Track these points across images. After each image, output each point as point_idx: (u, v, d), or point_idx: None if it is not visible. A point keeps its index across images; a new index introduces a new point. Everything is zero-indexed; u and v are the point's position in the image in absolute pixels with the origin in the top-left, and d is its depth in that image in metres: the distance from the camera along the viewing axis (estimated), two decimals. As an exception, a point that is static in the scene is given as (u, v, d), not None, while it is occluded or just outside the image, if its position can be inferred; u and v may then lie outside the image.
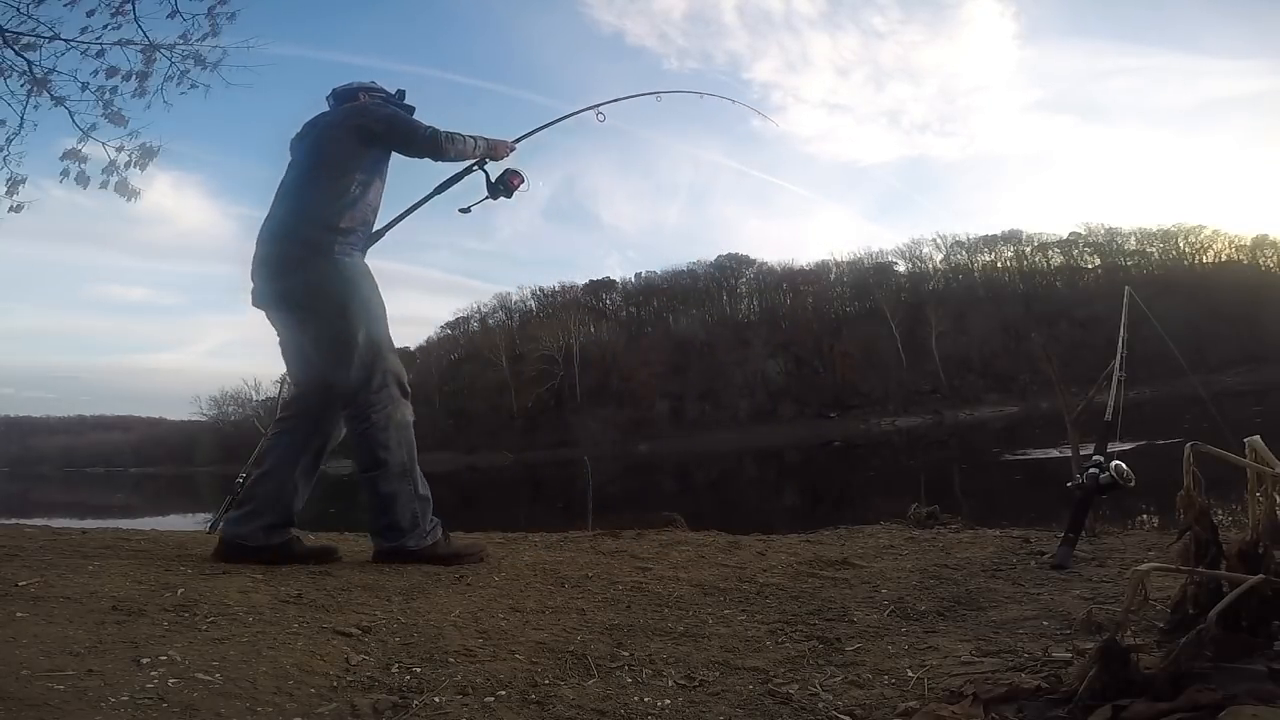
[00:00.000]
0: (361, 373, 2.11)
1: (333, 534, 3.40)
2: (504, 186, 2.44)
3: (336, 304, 2.12)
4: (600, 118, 2.85)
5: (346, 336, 2.11)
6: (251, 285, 2.23)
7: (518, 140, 2.54)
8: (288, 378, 2.39)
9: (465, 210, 2.48)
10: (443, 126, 2.32)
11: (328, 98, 2.45)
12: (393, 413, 2.15)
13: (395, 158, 2.35)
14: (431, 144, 2.27)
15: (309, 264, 2.12)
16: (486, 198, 2.46)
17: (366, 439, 2.11)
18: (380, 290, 2.26)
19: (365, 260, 2.27)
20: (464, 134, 2.33)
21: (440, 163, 2.36)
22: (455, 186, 2.49)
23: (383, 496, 2.10)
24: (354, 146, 2.22)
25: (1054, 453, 12.68)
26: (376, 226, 2.33)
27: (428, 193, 2.48)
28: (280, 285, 2.16)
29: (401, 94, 2.47)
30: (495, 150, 2.44)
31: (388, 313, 2.26)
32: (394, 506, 2.09)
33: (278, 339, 2.29)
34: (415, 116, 2.42)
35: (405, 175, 2.44)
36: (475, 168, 2.43)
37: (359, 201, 2.20)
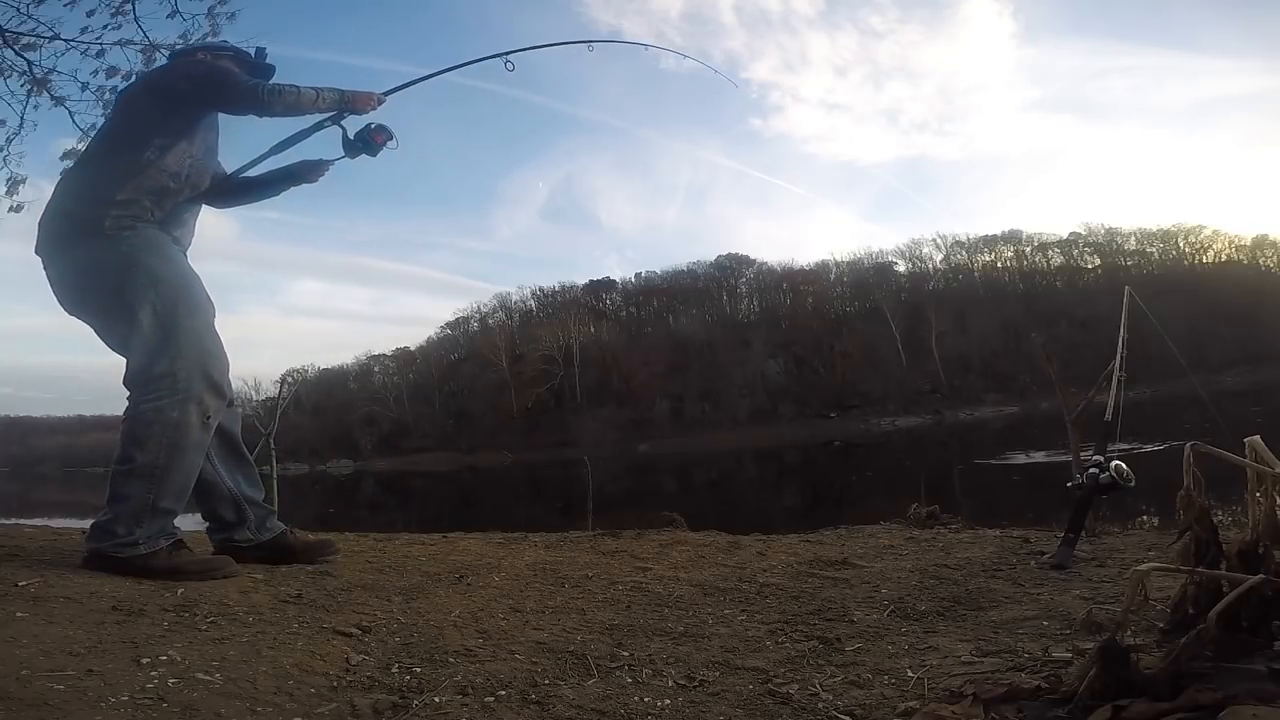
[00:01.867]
0: (144, 357, 1.85)
1: (333, 533, 3.40)
2: (365, 143, 2.14)
3: (111, 283, 1.86)
4: (509, 66, 2.50)
5: (126, 317, 1.85)
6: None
7: (388, 93, 2.23)
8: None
9: (324, 169, 2.21)
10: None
11: (166, 59, 2.19)
12: (165, 408, 1.81)
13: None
14: (251, 96, 1.95)
15: (78, 242, 1.88)
16: (343, 156, 2.17)
17: (127, 430, 1.83)
18: (187, 265, 2.01)
19: (171, 233, 2.00)
20: (302, 86, 2.02)
21: (267, 117, 2.04)
22: (307, 143, 2.18)
23: (113, 494, 1.80)
24: (157, 109, 1.94)
25: (1036, 457, 12.69)
26: (204, 190, 2.09)
27: (263, 152, 2.22)
28: (53, 270, 1.92)
29: (261, 53, 2.18)
30: (353, 102, 2.11)
31: (207, 297, 2.01)
32: (118, 507, 1.79)
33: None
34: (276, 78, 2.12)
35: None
36: (329, 123, 2.14)
37: (151, 167, 1.92)
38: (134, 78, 2.24)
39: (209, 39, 2.32)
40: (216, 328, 2.02)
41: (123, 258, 1.86)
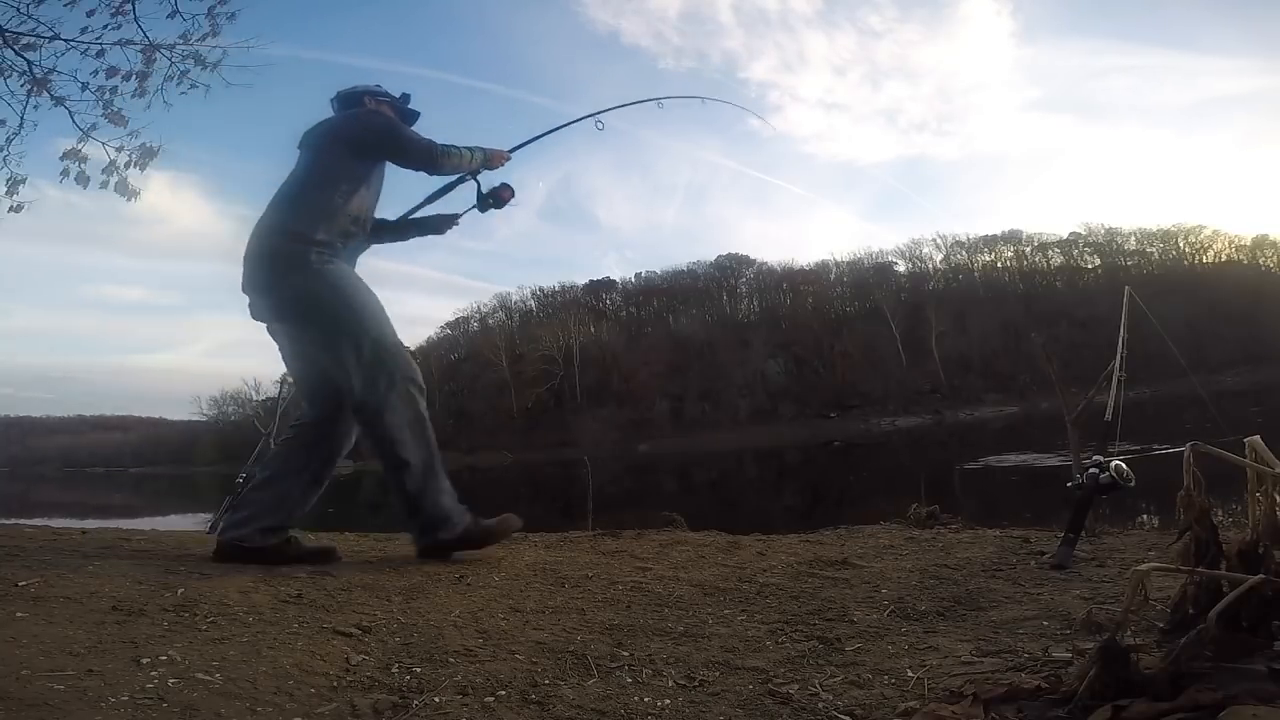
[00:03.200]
0: (368, 376, 2.11)
1: (333, 533, 3.40)
2: (495, 199, 2.46)
3: (329, 313, 2.12)
4: (599, 126, 2.81)
5: (346, 343, 2.11)
6: (247, 300, 2.23)
7: (513, 150, 2.54)
8: (293, 387, 2.40)
9: (453, 223, 2.55)
10: (443, 131, 2.36)
11: (332, 101, 2.45)
12: (406, 411, 2.13)
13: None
14: (427, 157, 2.28)
15: (290, 278, 2.11)
16: (474, 208, 2.48)
17: (386, 441, 2.10)
18: (373, 290, 2.24)
19: (353, 266, 2.27)
20: (460, 146, 2.32)
21: (434, 175, 2.38)
22: (448, 194, 2.51)
23: (410, 495, 2.11)
24: (345, 158, 2.22)
25: (1022, 457, 12.65)
26: (368, 233, 2.35)
27: (418, 203, 2.52)
28: (269, 301, 2.17)
29: (406, 98, 2.48)
30: (491, 161, 2.43)
31: (386, 311, 2.25)
32: (423, 504, 2.11)
33: (279, 351, 2.31)
34: (419, 122, 2.44)
35: (408, 180, 2.44)
36: (468, 178, 2.44)
37: (339, 212, 2.18)
38: (329, 122, 2.36)
39: (364, 85, 2.46)
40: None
41: (332, 289, 2.13)
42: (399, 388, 2.13)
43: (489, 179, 2.46)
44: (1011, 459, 12.84)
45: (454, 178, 2.45)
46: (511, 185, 2.48)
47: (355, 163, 2.24)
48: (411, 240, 2.59)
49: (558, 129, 2.79)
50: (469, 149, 2.34)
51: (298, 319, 2.17)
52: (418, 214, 2.56)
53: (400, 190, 2.50)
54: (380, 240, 2.51)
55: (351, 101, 2.41)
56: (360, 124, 2.30)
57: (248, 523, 2.09)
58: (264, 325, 2.27)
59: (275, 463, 2.23)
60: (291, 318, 2.18)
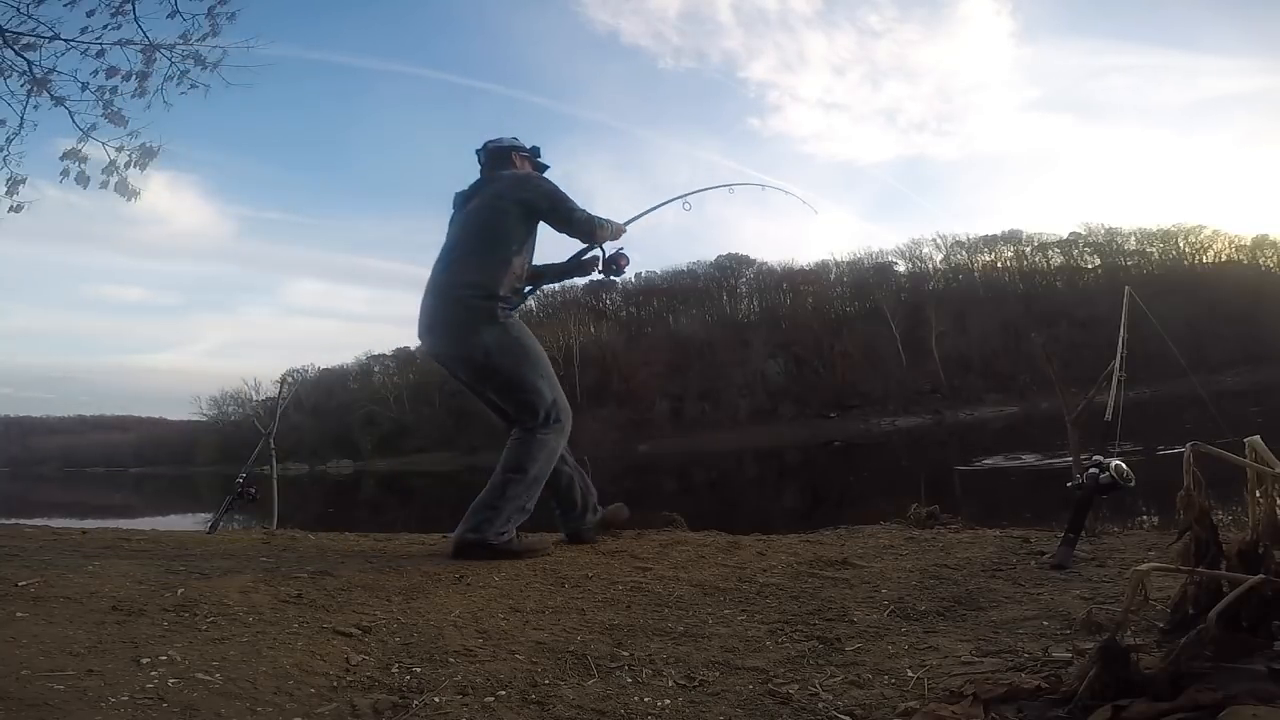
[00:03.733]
0: (541, 413, 2.46)
1: (332, 533, 3.40)
2: (615, 267, 2.72)
3: (513, 361, 2.45)
4: (687, 207, 3.15)
5: (527, 386, 2.45)
6: (422, 342, 2.56)
7: (627, 223, 2.79)
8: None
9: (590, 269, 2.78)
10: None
11: (478, 152, 2.72)
12: (550, 441, 2.47)
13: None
14: (586, 228, 2.58)
15: (481, 330, 2.42)
16: (598, 272, 2.74)
17: (523, 448, 2.42)
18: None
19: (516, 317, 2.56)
20: (600, 218, 2.63)
21: (585, 243, 2.68)
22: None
23: (505, 496, 2.35)
24: (518, 220, 2.51)
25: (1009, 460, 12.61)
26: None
27: (565, 264, 2.78)
28: (460, 350, 2.47)
29: (537, 151, 2.77)
30: (617, 233, 2.71)
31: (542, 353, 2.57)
32: (503, 506, 2.33)
33: (462, 385, 2.62)
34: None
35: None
36: (596, 246, 2.70)
37: (510, 269, 2.49)
38: (500, 184, 2.60)
39: (507, 140, 2.74)
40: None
41: (515, 340, 2.46)
42: (559, 424, 2.50)
43: (610, 247, 2.72)
44: (1003, 460, 12.80)
45: (586, 251, 2.73)
46: (628, 255, 2.74)
47: (525, 225, 2.52)
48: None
49: (655, 209, 3.06)
50: (609, 222, 2.65)
51: (486, 367, 2.45)
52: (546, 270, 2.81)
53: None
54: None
55: (500, 156, 2.69)
56: (533, 190, 2.55)
57: (486, 525, 2.34)
58: (438, 364, 2.62)
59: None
60: (480, 365, 2.46)
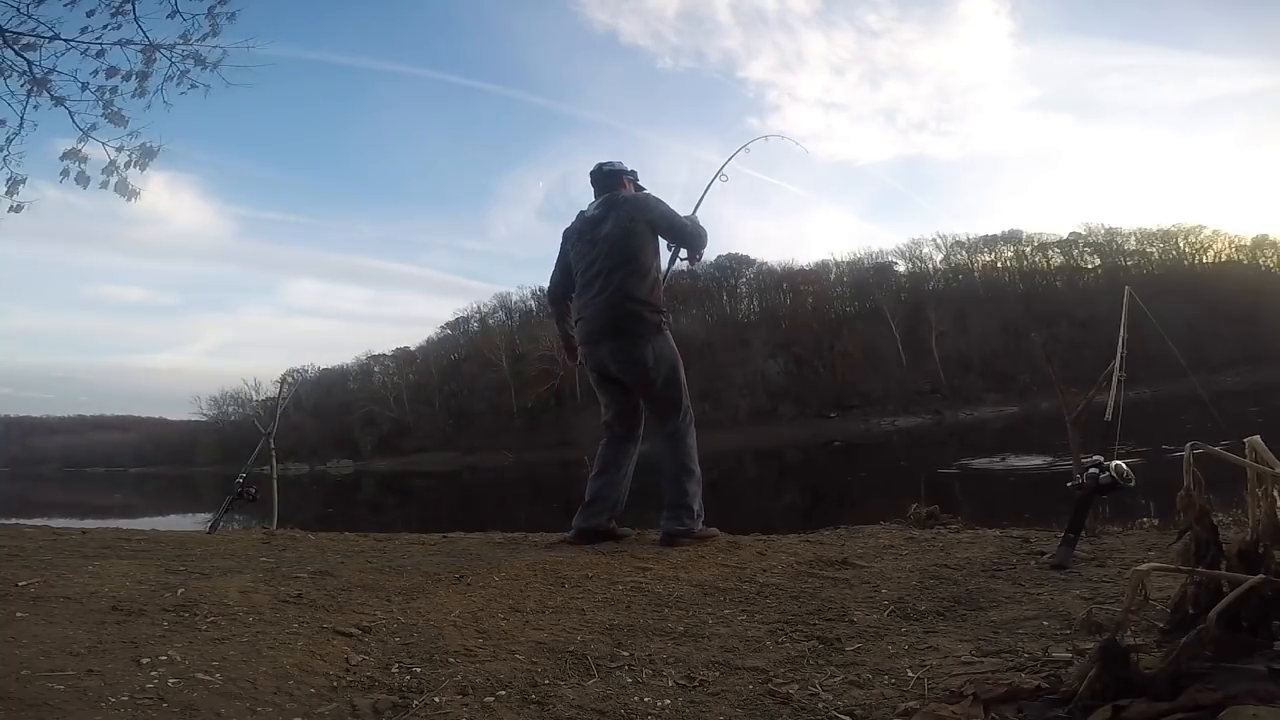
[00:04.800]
0: (682, 411, 2.89)
1: (332, 533, 3.40)
2: (699, 255, 3.13)
3: (671, 366, 2.86)
4: (724, 179, 3.66)
5: (677, 387, 2.88)
6: (590, 348, 2.91)
7: (694, 211, 3.26)
8: (605, 413, 3.03)
9: (688, 266, 3.28)
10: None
11: (592, 174, 3.07)
12: (691, 437, 2.90)
13: None
14: (695, 240, 3.04)
15: (652, 340, 2.83)
16: (685, 260, 3.18)
17: (683, 450, 2.85)
18: None
19: None
20: (702, 227, 3.09)
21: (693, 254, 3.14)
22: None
23: (688, 493, 2.74)
24: (649, 237, 2.90)
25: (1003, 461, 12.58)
26: None
27: (667, 268, 3.13)
28: (633, 355, 2.82)
29: (635, 174, 3.12)
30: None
31: None
32: (690, 501, 2.73)
33: (604, 391, 2.97)
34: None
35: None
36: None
37: (660, 282, 2.93)
38: (628, 206, 2.97)
39: (615, 165, 3.10)
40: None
41: (672, 349, 2.89)
42: (691, 421, 2.94)
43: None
44: (999, 461, 12.77)
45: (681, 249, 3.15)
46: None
47: (655, 242, 2.93)
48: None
49: (704, 194, 3.55)
50: (701, 226, 3.09)
51: (651, 369, 2.82)
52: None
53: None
54: None
55: (613, 179, 3.03)
56: (654, 212, 2.94)
57: (600, 513, 2.83)
58: (595, 372, 2.95)
59: (606, 468, 2.94)
60: (651, 367, 2.82)
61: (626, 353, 2.84)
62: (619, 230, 2.87)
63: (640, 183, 3.15)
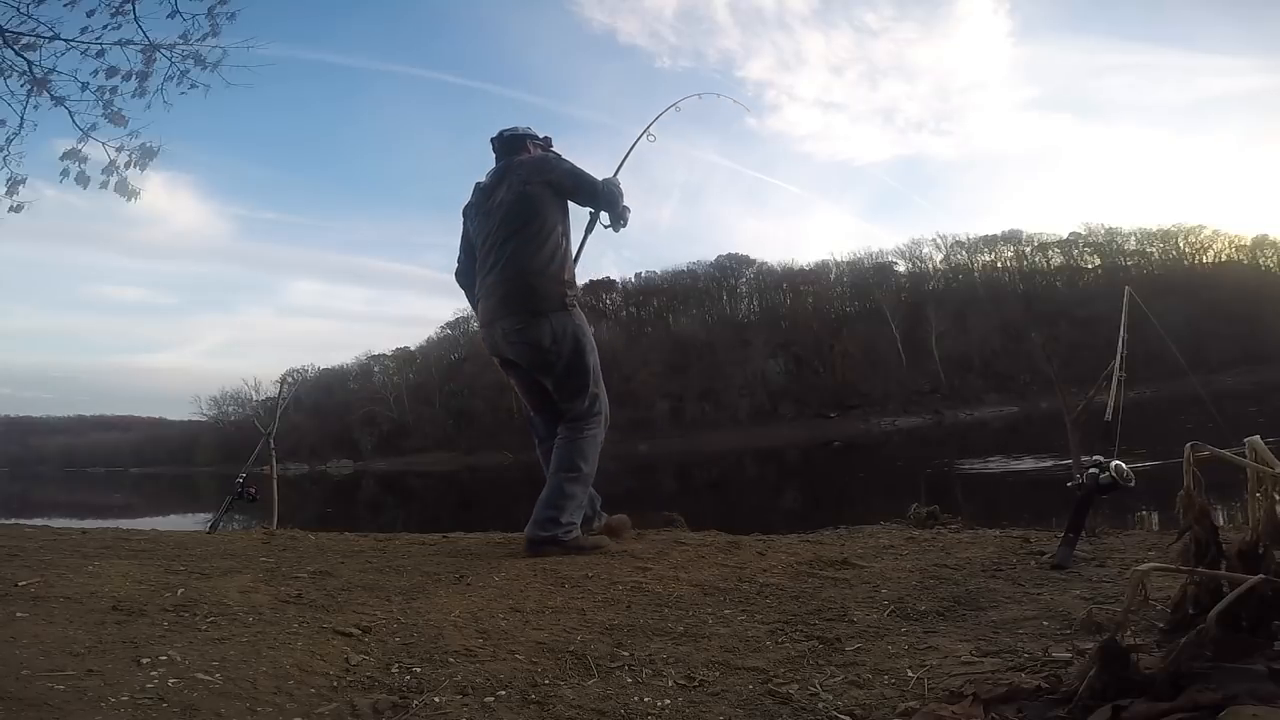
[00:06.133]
0: (589, 400, 2.56)
1: (332, 533, 3.40)
2: (625, 220, 2.78)
3: (576, 348, 2.51)
4: (651, 139, 3.26)
5: (583, 373, 2.54)
6: (484, 332, 2.61)
7: (616, 174, 2.87)
8: (527, 408, 2.74)
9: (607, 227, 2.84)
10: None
11: (493, 140, 2.74)
12: (597, 433, 2.57)
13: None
14: (611, 200, 2.65)
15: (551, 317, 2.48)
16: (609, 227, 2.80)
17: (574, 448, 2.50)
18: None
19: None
20: (617, 183, 2.70)
21: (610, 213, 2.73)
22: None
23: (565, 494, 2.42)
24: (550, 201, 2.54)
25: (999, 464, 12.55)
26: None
27: (583, 238, 2.81)
28: (529, 335, 2.49)
29: (549, 140, 2.81)
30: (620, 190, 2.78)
31: None
32: (567, 504, 2.41)
33: (513, 378, 2.66)
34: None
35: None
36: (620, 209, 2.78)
37: (568, 254, 2.58)
38: (522, 169, 2.63)
39: (521, 128, 2.78)
40: None
41: (578, 329, 2.53)
42: (601, 414, 2.60)
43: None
44: (987, 463, 12.75)
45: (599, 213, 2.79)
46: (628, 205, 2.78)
47: (560, 207, 2.58)
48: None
49: (628, 153, 3.16)
50: (619, 184, 2.72)
51: (550, 352, 2.50)
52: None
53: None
54: None
55: (515, 144, 2.70)
56: (555, 170, 2.59)
57: (552, 524, 2.43)
58: (496, 358, 2.64)
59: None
60: (549, 349, 2.49)
61: (520, 332, 2.50)
62: (512, 195, 2.54)
63: (556, 151, 2.80)
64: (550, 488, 2.45)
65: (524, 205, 2.51)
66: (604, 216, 2.76)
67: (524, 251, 2.48)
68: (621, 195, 2.69)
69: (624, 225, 2.78)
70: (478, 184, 2.71)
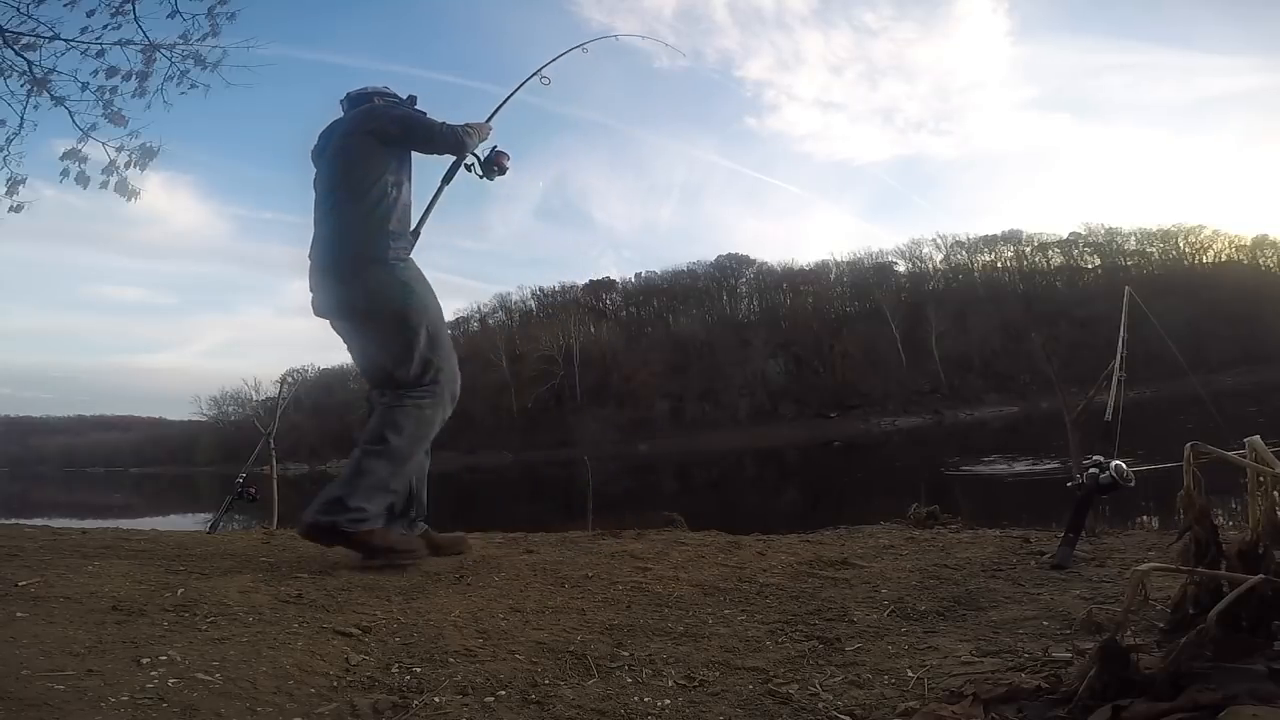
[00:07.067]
0: (418, 366, 2.22)
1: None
2: (499, 167, 2.55)
3: (397, 308, 2.21)
4: (545, 81, 2.94)
5: (408, 337, 2.21)
6: (311, 296, 2.32)
7: (489, 119, 2.63)
8: (364, 377, 2.45)
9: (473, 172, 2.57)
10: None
11: (341, 102, 2.49)
12: (425, 409, 2.19)
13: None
14: (452, 140, 2.37)
15: (368, 272, 2.21)
16: (483, 176, 2.57)
17: (386, 416, 2.15)
18: (434, 291, 2.34)
19: (414, 261, 2.34)
20: (466, 126, 2.43)
21: (458, 156, 2.47)
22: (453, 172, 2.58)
23: (360, 471, 2.05)
24: (374, 151, 2.28)
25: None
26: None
27: (438, 187, 2.57)
28: (342, 293, 2.24)
29: (414, 99, 2.53)
30: (483, 133, 2.53)
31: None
32: (359, 484, 2.03)
33: (345, 345, 2.38)
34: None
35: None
36: (469, 155, 2.52)
37: (397, 203, 2.28)
38: (344, 120, 2.41)
39: (373, 86, 2.52)
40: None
41: (402, 285, 2.23)
42: (438, 386, 2.24)
43: (484, 148, 2.55)
44: (981, 465, 12.74)
45: (460, 160, 2.52)
46: (506, 151, 2.56)
47: (387, 156, 2.29)
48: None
49: (515, 91, 2.89)
50: (467, 126, 2.44)
51: (367, 313, 2.25)
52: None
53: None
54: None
55: (361, 102, 2.44)
56: (378, 115, 2.34)
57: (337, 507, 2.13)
58: (327, 321, 2.33)
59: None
60: (361, 312, 2.25)
61: (334, 292, 2.25)
62: (333, 149, 2.34)
63: (423, 109, 2.53)
64: (349, 466, 2.09)
65: (344, 155, 2.31)
66: (477, 166, 2.53)
67: (343, 205, 2.27)
68: (471, 137, 2.42)
69: (500, 173, 2.55)
70: (314, 148, 2.48)
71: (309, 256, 2.32)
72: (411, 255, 2.34)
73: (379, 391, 2.30)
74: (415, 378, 2.21)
